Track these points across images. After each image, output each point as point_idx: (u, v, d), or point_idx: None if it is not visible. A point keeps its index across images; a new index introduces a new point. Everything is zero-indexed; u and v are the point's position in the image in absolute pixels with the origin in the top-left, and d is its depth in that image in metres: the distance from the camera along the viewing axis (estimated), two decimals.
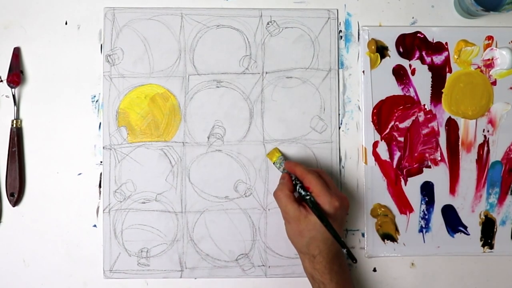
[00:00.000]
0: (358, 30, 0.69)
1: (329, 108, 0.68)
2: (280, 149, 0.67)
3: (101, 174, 0.67)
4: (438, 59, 0.68)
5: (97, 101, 0.67)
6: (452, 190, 0.68)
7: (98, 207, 0.67)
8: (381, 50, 0.68)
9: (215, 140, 0.67)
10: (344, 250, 0.57)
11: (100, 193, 0.67)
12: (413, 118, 0.68)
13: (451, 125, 0.68)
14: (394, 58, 0.68)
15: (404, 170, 0.68)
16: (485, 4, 0.63)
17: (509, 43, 0.68)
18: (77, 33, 0.68)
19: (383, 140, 0.68)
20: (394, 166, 0.68)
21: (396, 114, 0.68)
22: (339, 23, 0.69)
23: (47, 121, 0.67)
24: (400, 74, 0.68)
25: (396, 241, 0.67)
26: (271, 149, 0.67)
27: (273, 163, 0.66)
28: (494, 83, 0.68)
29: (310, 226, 0.59)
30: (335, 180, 0.67)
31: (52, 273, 0.66)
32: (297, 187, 0.61)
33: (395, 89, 0.68)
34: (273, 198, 0.67)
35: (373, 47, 0.68)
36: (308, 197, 0.59)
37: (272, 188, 0.67)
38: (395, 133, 0.68)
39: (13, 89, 0.66)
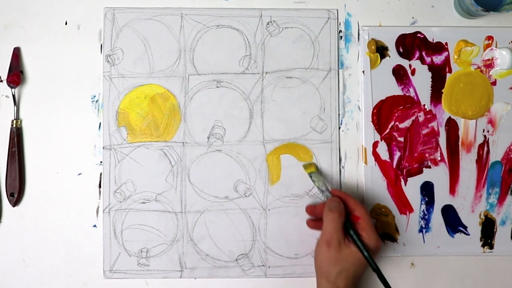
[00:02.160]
0: (358, 30, 0.69)
1: (329, 108, 0.68)
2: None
3: (101, 174, 0.67)
4: (438, 59, 0.68)
5: (97, 101, 0.67)
6: (452, 190, 0.68)
7: (98, 207, 0.67)
8: (381, 50, 0.68)
9: (215, 140, 0.67)
10: (375, 270, 0.58)
11: (100, 193, 0.67)
12: (413, 118, 0.68)
13: (451, 125, 0.68)
14: (394, 58, 0.68)
15: (404, 170, 0.68)
16: (485, 4, 0.63)
17: (509, 43, 0.68)
18: (77, 33, 0.68)
19: (383, 140, 0.68)
20: (394, 166, 0.68)
21: (396, 114, 0.68)
22: (339, 23, 0.69)
23: (47, 121, 0.67)
24: (400, 74, 0.68)
25: (396, 241, 0.67)
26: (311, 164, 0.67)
27: (310, 176, 0.65)
28: (494, 83, 0.68)
29: (349, 258, 0.58)
30: (335, 180, 0.67)
31: (52, 273, 0.66)
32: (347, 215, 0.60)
33: (395, 89, 0.68)
34: (273, 198, 0.67)
35: (373, 47, 0.68)
36: (352, 230, 0.59)
37: (272, 189, 0.67)
38: (395, 133, 0.68)
39: (13, 89, 0.66)
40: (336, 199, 0.61)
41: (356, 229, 0.60)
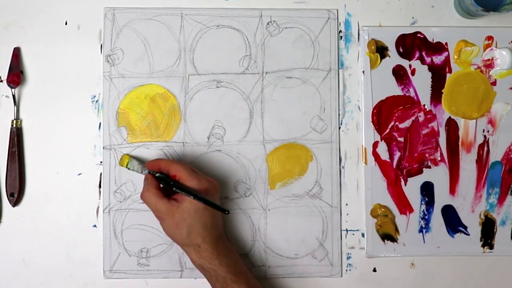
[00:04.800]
0: (358, 30, 0.69)
1: (329, 108, 0.68)
2: (132, 154, 0.66)
3: (101, 174, 0.67)
4: (438, 59, 0.68)
5: (97, 101, 0.67)
6: (452, 190, 0.68)
7: (98, 207, 0.67)
8: (381, 50, 0.68)
9: (215, 140, 0.67)
10: (226, 212, 0.59)
11: (100, 193, 0.67)
12: (413, 118, 0.68)
13: (451, 125, 0.68)
14: (394, 58, 0.68)
15: (404, 170, 0.68)
16: (485, 4, 0.63)
17: (509, 43, 0.68)
18: (77, 33, 0.68)
19: (383, 140, 0.68)
20: (394, 166, 0.68)
21: (396, 114, 0.68)
22: (339, 23, 0.69)
23: (47, 121, 0.67)
24: (400, 74, 0.68)
25: (396, 241, 0.67)
26: (122, 157, 0.66)
27: (128, 168, 0.64)
28: (494, 83, 0.68)
29: (185, 215, 0.58)
30: (335, 180, 0.67)
31: (52, 273, 0.66)
32: (155, 174, 0.61)
33: (395, 89, 0.68)
34: (273, 198, 0.67)
35: (373, 47, 0.68)
36: (171, 182, 0.59)
37: (273, 190, 0.67)
38: (395, 133, 0.68)
39: (13, 89, 0.66)
40: (146, 176, 0.61)
41: (180, 184, 0.59)
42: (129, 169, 0.64)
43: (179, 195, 0.59)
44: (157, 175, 0.61)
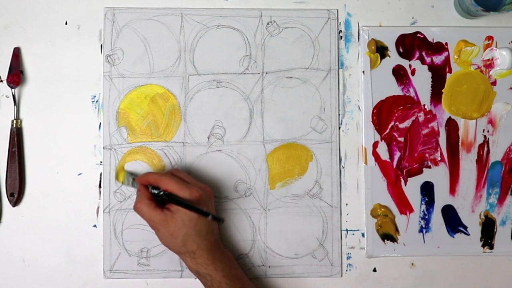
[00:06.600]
0: (358, 30, 0.69)
1: (329, 108, 0.68)
2: (126, 167, 0.66)
3: (101, 174, 0.67)
4: (438, 59, 0.68)
5: (97, 101, 0.67)
6: (452, 190, 0.68)
7: (98, 207, 0.67)
8: (381, 50, 0.68)
9: (215, 140, 0.67)
10: (209, 217, 0.57)
11: (100, 193, 0.67)
12: (413, 118, 0.68)
13: (451, 125, 0.68)
14: (394, 58, 0.68)
15: (404, 170, 0.68)
16: (485, 4, 0.63)
17: (509, 43, 0.68)
18: (77, 33, 0.68)
19: (383, 140, 0.68)
20: (394, 166, 0.68)
21: (396, 114, 0.68)
22: (339, 23, 0.69)
23: (47, 121, 0.67)
24: (400, 74, 0.68)
25: (396, 241, 0.67)
26: (118, 172, 0.65)
27: (122, 184, 0.64)
28: (494, 83, 0.68)
29: (179, 224, 0.58)
30: (335, 180, 0.67)
31: (52, 273, 0.66)
32: (150, 189, 0.60)
33: (395, 89, 0.68)
34: (273, 198, 0.67)
35: (373, 47, 0.68)
36: (161, 193, 0.59)
37: (273, 190, 0.67)
38: (395, 133, 0.68)
39: (13, 89, 0.66)
40: (138, 188, 0.61)
41: (173, 195, 0.59)
42: (123, 184, 0.64)
43: (172, 205, 0.59)
44: (153, 191, 0.60)
